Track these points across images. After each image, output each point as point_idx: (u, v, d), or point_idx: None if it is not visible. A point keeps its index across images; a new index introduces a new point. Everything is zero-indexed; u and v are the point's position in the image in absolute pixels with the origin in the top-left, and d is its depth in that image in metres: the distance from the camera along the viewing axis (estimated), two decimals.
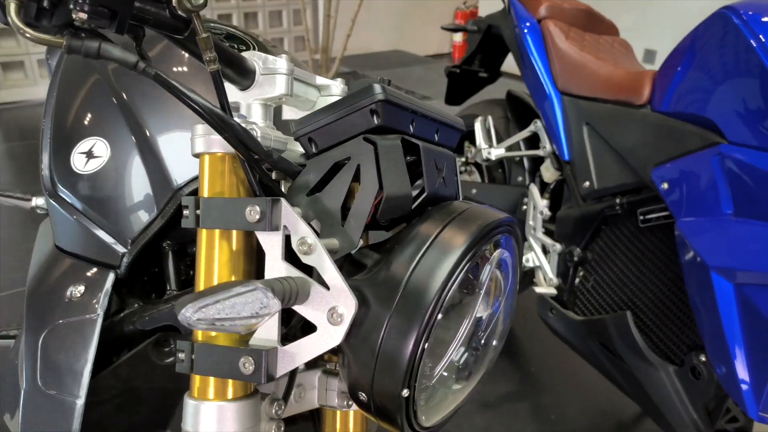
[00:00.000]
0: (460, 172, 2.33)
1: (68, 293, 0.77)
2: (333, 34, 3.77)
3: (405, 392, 0.54)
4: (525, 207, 1.95)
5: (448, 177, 0.66)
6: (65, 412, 0.72)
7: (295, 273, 0.57)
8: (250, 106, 0.67)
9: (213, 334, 0.61)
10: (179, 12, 0.53)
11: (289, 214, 0.57)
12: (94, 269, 0.79)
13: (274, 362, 0.57)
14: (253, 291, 0.49)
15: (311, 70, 0.76)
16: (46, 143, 0.87)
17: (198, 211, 0.61)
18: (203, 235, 0.62)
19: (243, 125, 0.58)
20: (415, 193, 0.62)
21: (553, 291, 1.78)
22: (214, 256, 0.62)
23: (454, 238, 0.57)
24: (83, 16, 0.48)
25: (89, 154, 0.82)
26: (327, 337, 0.56)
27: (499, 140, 2.08)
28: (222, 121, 0.57)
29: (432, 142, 0.67)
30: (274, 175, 0.67)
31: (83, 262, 0.80)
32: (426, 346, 0.54)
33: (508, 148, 2.00)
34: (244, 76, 0.64)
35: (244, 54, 0.65)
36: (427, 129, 0.66)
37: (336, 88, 0.76)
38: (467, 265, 0.57)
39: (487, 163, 2.07)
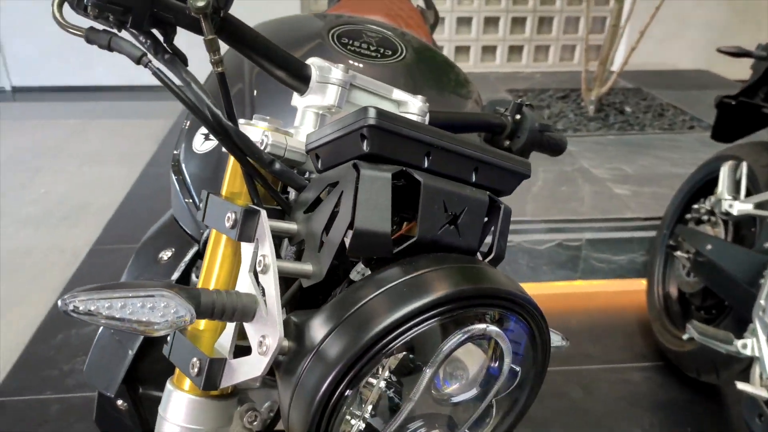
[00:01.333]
0: (702, 221, 1.96)
1: (160, 255, 0.87)
2: (617, 45, 3.47)
3: None
4: (763, 280, 1.56)
5: (467, 225, 0.57)
6: (119, 359, 0.82)
7: (251, 289, 0.55)
8: (304, 112, 0.66)
9: (199, 326, 0.62)
10: (193, 13, 0.54)
11: (262, 228, 0.55)
12: (185, 239, 0.88)
13: (219, 372, 0.56)
14: (162, 297, 0.48)
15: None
16: (186, 121, 0.98)
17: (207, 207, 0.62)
18: (212, 232, 0.64)
19: (241, 131, 0.58)
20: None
21: (766, 394, 1.40)
22: (217, 254, 0.63)
23: (400, 299, 0.49)
24: (95, 9, 0.53)
25: (207, 136, 0.90)
26: (253, 364, 0.53)
27: (753, 192, 1.69)
28: (219, 124, 0.56)
29: (465, 182, 0.58)
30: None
31: (181, 230, 0.90)
32: (347, 395, 0.49)
33: (759, 205, 1.62)
34: (300, 81, 0.64)
35: (310, 60, 0.64)
36: (456, 166, 0.57)
37: (414, 106, 0.70)
38: (406, 333, 0.48)
39: (728, 217, 1.71)
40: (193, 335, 0.62)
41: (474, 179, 0.58)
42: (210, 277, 0.63)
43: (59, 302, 0.47)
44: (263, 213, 0.55)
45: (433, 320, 0.49)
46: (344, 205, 0.54)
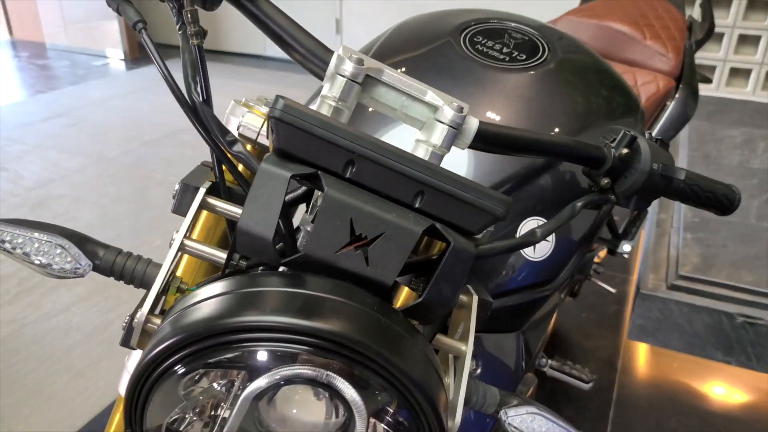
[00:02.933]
0: None
1: None
2: None
3: None
4: None
5: (382, 254, 0.47)
6: None
7: (165, 260, 0.54)
8: (321, 102, 0.56)
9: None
10: None
11: (194, 206, 0.55)
12: None
13: (131, 332, 0.52)
14: (59, 246, 0.53)
15: None
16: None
17: None
18: None
19: (207, 108, 0.55)
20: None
21: None
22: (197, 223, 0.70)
23: (222, 307, 0.44)
24: None
25: None
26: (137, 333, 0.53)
27: None
28: (189, 101, 0.55)
29: (409, 207, 0.50)
30: None
31: None
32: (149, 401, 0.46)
33: None
34: (319, 67, 0.61)
35: (342, 47, 0.56)
36: (394, 185, 0.49)
37: (444, 114, 0.55)
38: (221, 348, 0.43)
39: None
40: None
41: (418, 205, 0.49)
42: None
43: None
44: (201, 190, 0.55)
45: (250, 344, 0.43)
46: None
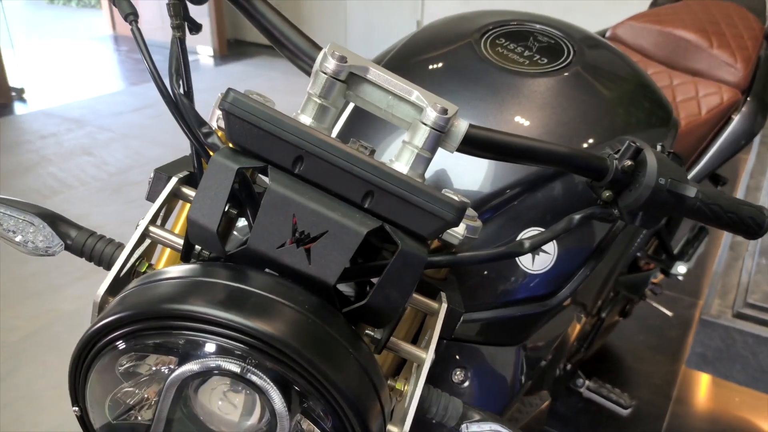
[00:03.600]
0: None
1: None
2: None
3: (75, 408, 0.51)
4: None
5: (324, 253, 0.47)
6: None
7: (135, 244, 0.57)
8: (307, 99, 0.55)
9: None
10: None
11: (164, 194, 0.58)
12: None
13: (95, 311, 0.56)
14: (31, 224, 0.56)
15: None
16: None
17: None
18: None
19: (187, 101, 0.56)
20: None
21: None
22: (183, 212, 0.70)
23: (157, 292, 0.45)
24: None
25: None
26: None
27: None
28: (163, 87, 0.56)
29: (358, 206, 0.49)
30: None
31: None
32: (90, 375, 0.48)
33: None
34: (306, 63, 0.62)
35: (330, 45, 0.55)
36: (342, 183, 0.49)
37: (427, 116, 0.52)
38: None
39: None
40: None
41: (367, 206, 0.49)
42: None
43: None
44: (173, 180, 0.59)
45: (182, 331, 0.43)
46: None
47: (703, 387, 1.87)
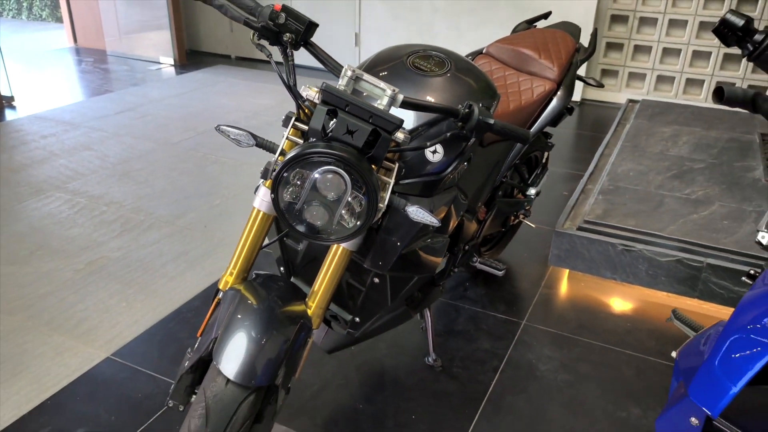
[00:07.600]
0: None
1: None
2: None
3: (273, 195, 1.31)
4: None
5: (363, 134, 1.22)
6: None
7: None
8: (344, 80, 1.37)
9: None
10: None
11: (292, 120, 1.29)
12: None
13: (272, 168, 1.31)
14: (242, 132, 1.26)
15: None
16: None
17: None
18: None
19: (294, 87, 1.31)
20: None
21: None
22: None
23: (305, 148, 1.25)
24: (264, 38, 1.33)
25: None
26: None
27: None
28: (288, 84, 1.31)
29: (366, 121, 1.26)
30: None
31: None
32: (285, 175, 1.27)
33: None
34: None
35: (346, 65, 1.36)
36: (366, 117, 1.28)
37: (387, 93, 1.34)
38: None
39: None
40: None
41: (370, 120, 1.29)
42: None
43: None
44: (293, 118, 1.29)
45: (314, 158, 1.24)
46: None
47: (564, 277, 2.83)
